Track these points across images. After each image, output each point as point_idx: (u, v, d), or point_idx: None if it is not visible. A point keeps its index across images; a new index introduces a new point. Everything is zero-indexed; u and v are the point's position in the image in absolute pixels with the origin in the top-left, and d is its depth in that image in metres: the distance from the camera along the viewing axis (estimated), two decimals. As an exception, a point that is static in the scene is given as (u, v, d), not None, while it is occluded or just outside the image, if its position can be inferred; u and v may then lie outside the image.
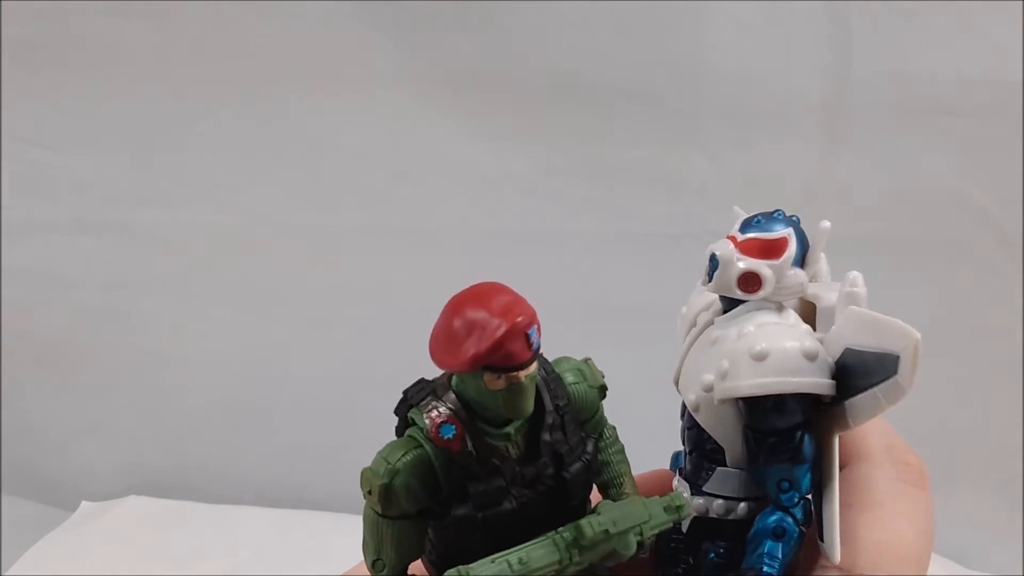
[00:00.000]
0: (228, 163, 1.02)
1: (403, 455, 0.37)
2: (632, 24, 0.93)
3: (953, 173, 0.94)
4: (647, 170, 0.98)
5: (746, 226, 0.41)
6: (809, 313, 0.41)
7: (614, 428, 0.43)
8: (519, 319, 0.35)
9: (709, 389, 0.39)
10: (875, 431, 0.41)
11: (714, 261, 0.40)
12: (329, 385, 1.05)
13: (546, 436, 0.39)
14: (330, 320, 1.05)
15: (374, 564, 0.38)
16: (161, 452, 1.10)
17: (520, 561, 0.35)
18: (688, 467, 0.43)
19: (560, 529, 0.37)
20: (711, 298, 0.43)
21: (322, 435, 1.07)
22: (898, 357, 0.33)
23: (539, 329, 0.37)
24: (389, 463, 0.37)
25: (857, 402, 0.36)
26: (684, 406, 0.42)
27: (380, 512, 0.37)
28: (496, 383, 0.36)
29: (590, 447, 0.40)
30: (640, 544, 0.37)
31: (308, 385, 1.06)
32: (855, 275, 0.37)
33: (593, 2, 0.93)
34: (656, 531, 0.37)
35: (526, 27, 0.95)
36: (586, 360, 0.42)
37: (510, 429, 0.38)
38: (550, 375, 0.40)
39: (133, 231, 1.05)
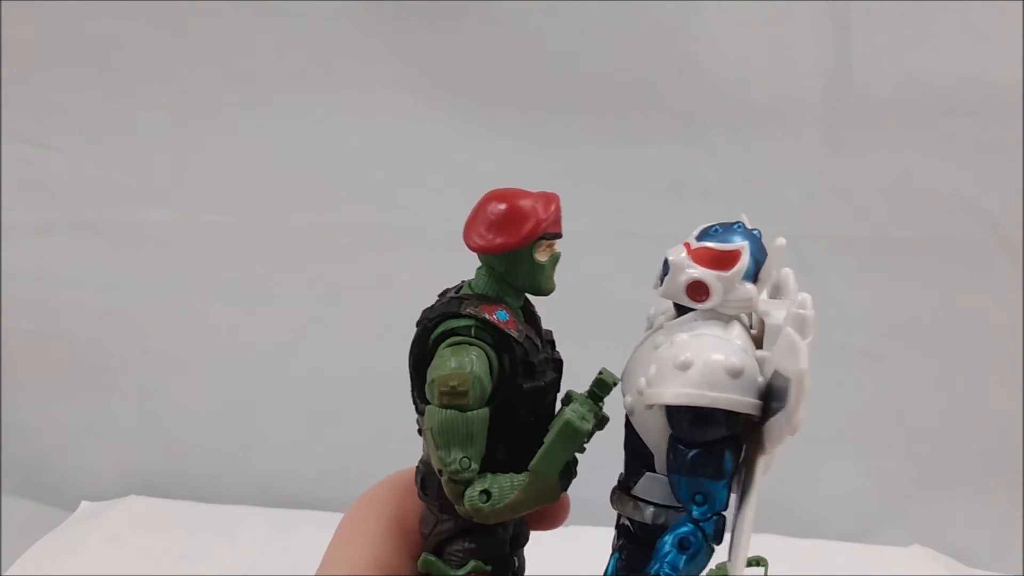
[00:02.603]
0: (228, 163, 1.02)
1: (468, 353, 0.38)
2: (632, 24, 0.93)
3: (953, 173, 0.94)
4: (647, 170, 0.98)
5: (703, 234, 0.40)
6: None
7: None
8: (556, 195, 0.41)
9: (641, 393, 0.38)
10: None
11: (666, 266, 0.39)
12: (329, 385, 1.05)
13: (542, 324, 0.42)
14: (330, 320, 1.05)
15: (460, 463, 0.38)
16: (161, 452, 1.10)
17: (592, 410, 0.39)
18: (624, 469, 0.42)
19: (571, 393, 0.41)
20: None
21: (323, 435, 1.07)
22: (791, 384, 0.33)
23: None
24: (463, 360, 0.38)
25: (770, 425, 0.35)
26: None
27: (469, 406, 0.38)
28: (546, 253, 0.41)
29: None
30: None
31: (308, 385, 1.07)
32: (804, 297, 0.35)
33: (593, 2, 0.93)
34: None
35: (526, 27, 0.95)
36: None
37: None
38: None
39: (133, 231, 1.05)
